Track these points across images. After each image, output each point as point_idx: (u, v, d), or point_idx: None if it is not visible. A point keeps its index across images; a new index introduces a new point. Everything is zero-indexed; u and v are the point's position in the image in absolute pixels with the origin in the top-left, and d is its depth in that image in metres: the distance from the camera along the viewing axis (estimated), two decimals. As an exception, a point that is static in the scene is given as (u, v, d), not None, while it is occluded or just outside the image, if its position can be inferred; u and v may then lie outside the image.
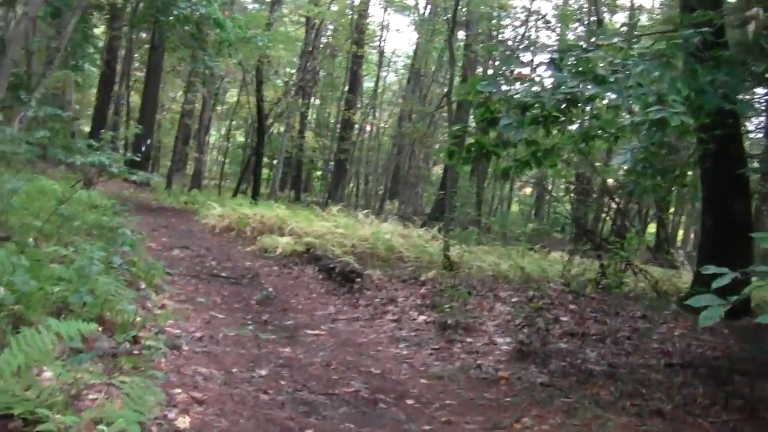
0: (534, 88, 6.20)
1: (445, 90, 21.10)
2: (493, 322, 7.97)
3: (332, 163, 28.73)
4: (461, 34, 23.92)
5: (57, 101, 38.17)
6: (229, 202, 22.31)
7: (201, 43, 18.78)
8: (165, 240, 12.59)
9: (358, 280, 9.48)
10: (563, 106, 6.13)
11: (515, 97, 6.16)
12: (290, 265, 11.27)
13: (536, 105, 6.13)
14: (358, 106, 30.96)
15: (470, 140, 7.58)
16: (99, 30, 38.30)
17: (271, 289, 9.17)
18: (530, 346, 6.97)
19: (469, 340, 7.38)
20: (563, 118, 6.52)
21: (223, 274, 10.04)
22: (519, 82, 6.41)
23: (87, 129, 39.20)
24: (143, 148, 28.38)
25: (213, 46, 19.54)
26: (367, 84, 35.41)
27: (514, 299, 8.85)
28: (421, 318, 8.16)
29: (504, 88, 6.19)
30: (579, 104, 6.18)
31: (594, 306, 8.61)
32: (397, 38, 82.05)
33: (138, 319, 5.80)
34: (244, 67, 23.83)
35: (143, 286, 7.37)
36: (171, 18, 17.92)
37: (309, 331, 7.39)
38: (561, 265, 12.09)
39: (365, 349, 6.92)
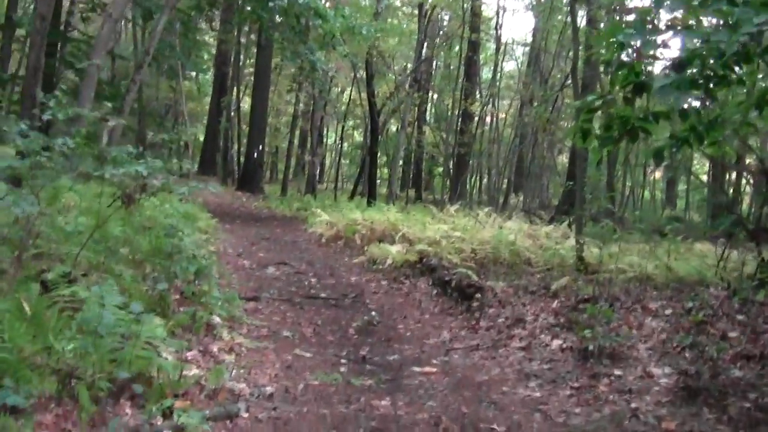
0: (695, 41, 4.44)
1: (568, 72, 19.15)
2: (645, 345, 6.21)
3: (452, 158, 27.09)
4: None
5: (170, 111, 38.44)
6: (343, 207, 21.14)
7: (302, 37, 17.54)
8: (262, 255, 11.35)
9: (478, 295, 7.89)
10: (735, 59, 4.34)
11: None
12: (401, 278, 9.78)
13: (697, 61, 4.38)
14: (477, 96, 29.24)
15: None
16: (210, 36, 38.37)
17: (374, 313, 7.70)
18: (698, 378, 5.21)
19: (617, 372, 5.66)
20: (734, 76, 4.73)
21: (322, 295, 8.65)
22: (671, 32, 4.65)
23: (201, 137, 39.28)
24: (255, 155, 27.70)
25: (317, 41, 18.30)
26: (485, 74, 33.65)
27: (667, 311, 7.01)
28: (556, 343, 6.49)
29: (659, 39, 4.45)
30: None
31: (766, 315, 6.69)
32: (514, 26, 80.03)
33: (187, 374, 4.45)
34: (352, 62, 22.51)
35: (215, 319, 6.05)
36: (270, 11, 16.80)
37: (417, 369, 5.87)
38: (712, 259, 10.05)
39: (486, 392, 5.33)
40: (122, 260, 6.21)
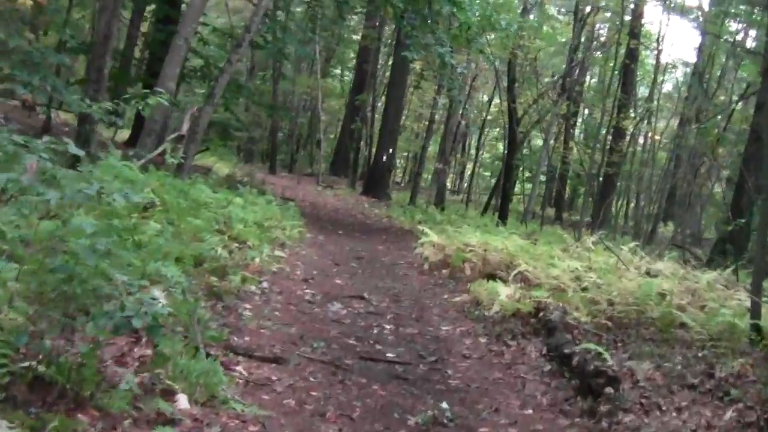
0: None
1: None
2: None
3: (597, 178, 24.11)
4: None
5: (307, 108, 37.01)
6: (470, 223, 18.67)
7: (431, 26, 15.13)
8: (339, 283, 9.00)
9: (609, 390, 5.26)
10: None
11: None
12: (506, 336, 7.17)
13: None
14: (631, 111, 26.15)
15: None
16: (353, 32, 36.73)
17: (445, 405, 5.08)
18: None
19: None
20: None
21: (389, 355, 6.19)
22: None
23: (332, 137, 37.64)
24: (384, 158, 25.58)
25: (450, 33, 15.88)
26: (641, 91, 30.45)
27: None
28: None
29: None
30: None
31: None
32: (676, 45, 75.35)
33: None
34: (494, 64, 19.98)
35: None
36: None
37: None
38: None
39: None
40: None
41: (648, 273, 10.08)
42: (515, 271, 8.96)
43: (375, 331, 6.89)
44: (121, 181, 8.64)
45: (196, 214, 9.00)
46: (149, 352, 4.48)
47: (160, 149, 11.06)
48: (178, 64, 11.45)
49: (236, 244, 8.79)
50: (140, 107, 7.08)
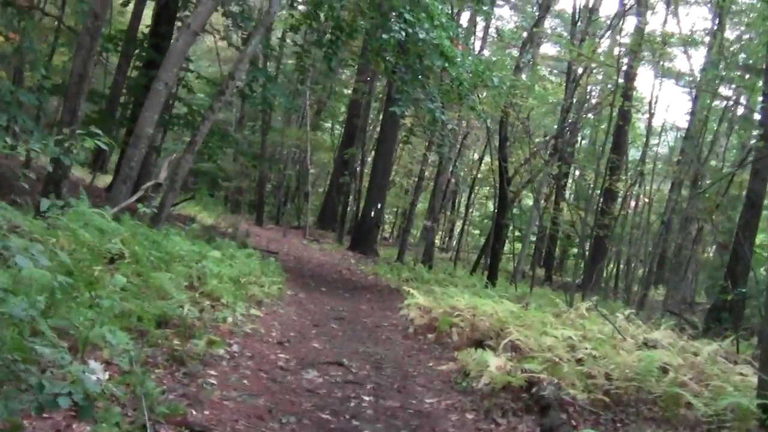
0: None
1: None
2: None
3: (589, 240, 23.66)
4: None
5: (296, 160, 36.61)
6: (458, 282, 18.15)
7: (424, 81, 14.73)
8: (317, 347, 8.38)
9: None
10: None
11: None
12: (495, 412, 6.55)
13: None
14: (623, 173, 25.87)
15: None
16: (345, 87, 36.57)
17: None
18: None
19: None
20: None
21: (364, 436, 5.61)
22: None
23: (321, 190, 37.23)
24: (372, 213, 25.08)
25: (441, 88, 15.50)
26: (632, 154, 30.27)
27: None
28: None
29: None
30: None
31: None
32: (668, 109, 75.94)
33: None
34: (484, 120, 19.61)
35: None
36: (394, 53, 14.18)
37: None
38: None
39: None
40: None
41: (646, 343, 9.53)
42: (506, 340, 8.37)
43: (353, 404, 6.27)
44: (90, 229, 8.12)
45: (168, 267, 8.44)
46: (89, 428, 3.89)
47: (134, 197, 10.53)
48: (157, 109, 10.95)
49: (208, 302, 8.21)
50: (74, 150, 6.56)
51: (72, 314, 4.53)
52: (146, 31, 18.59)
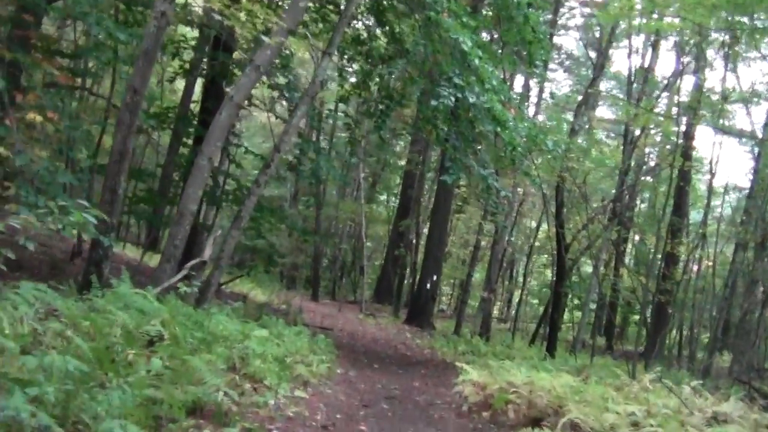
0: None
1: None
2: None
3: (650, 306, 22.82)
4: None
5: (351, 234, 36.47)
6: (515, 355, 17.53)
7: (476, 147, 14.43)
8: (363, 429, 7.86)
9: None
10: None
11: None
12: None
13: None
14: (684, 236, 25.05)
15: None
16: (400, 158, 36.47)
17: None
18: None
19: None
20: None
21: None
22: None
23: (377, 263, 36.86)
24: (428, 285, 24.61)
25: (493, 154, 15.19)
26: (693, 216, 29.39)
27: None
28: None
29: None
30: None
31: None
32: (728, 169, 74.33)
33: None
34: (539, 186, 19.17)
35: None
36: (436, 111, 13.91)
37: None
38: None
39: None
40: None
41: (715, 417, 8.87)
42: (564, 419, 7.81)
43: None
44: (131, 310, 7.87)
45: (209, 348, 8.12)
46: None
47: (178, 276, 10.30)
48: (200, 185, 10.80)
49: (249, 384, 7.84)
50: (60, 226, 6.36)
51: (86, 405, 4.21)
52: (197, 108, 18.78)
